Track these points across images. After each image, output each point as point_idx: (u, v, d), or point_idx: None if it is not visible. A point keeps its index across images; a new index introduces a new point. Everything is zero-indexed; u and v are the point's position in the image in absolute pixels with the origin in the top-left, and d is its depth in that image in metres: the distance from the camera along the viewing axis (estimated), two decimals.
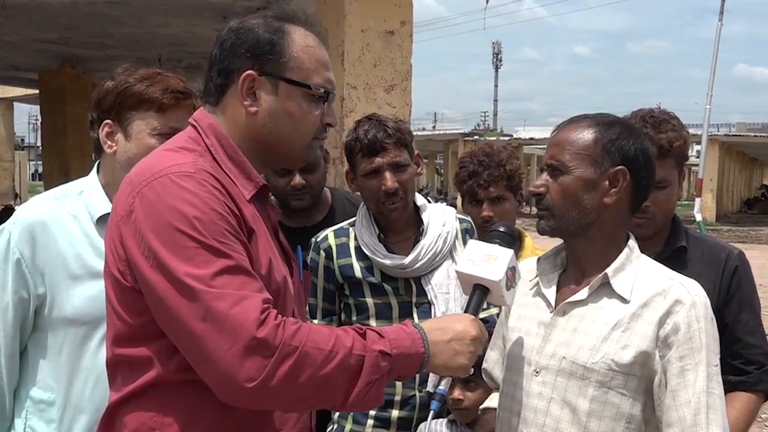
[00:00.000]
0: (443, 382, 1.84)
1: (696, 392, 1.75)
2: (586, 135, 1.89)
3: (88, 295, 2.07)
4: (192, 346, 1.52)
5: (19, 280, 2.08)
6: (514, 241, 1.95)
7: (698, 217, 20.40)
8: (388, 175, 2.53)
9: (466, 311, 1.83)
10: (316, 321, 2.65)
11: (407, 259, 2.56)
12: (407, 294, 2.59)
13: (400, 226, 2.63)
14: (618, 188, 1.87)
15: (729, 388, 2.28)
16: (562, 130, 1.94)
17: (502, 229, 1.94)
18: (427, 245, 2.58)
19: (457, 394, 2.32)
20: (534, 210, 2.10)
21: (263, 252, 1.67)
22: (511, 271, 1.85)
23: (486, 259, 1.85)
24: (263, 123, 1.72)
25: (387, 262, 2.57)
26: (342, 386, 1.55)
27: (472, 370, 1.79)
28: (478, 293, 1.85)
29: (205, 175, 1.59)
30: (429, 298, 2.57)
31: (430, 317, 2.55)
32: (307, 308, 2.60)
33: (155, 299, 1.54)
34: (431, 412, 1.82)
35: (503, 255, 1.85)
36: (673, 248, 2.36)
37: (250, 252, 1.61)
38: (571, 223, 1.89)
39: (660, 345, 1.80)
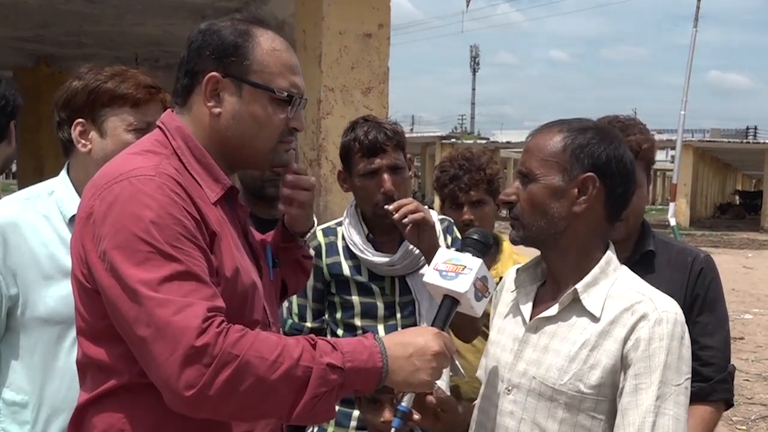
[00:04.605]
0: (406, 398, 1.74)
1: (641, 412, 1.67)
2: (556, 141, 1.81)
3: (61, 294, 2.06)
4: (139, 351, 1.52)
5: None
6: (487, 248, 1.87)
7: (672, 222, 20.63)
8: (386, 176, 2.53)
9: (433, 323, 1.77)
10: (308, 324, 2.65)
11: (396, 256, 2.58)
12: (392, 293, 2.61)
13: (389, 227, 2.61)
14: (587, 196, 1.79)
15: None
16: (534, 136, 1.88)
17: (475, 236, 1.87)
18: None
19: (387, 415, 2.04)
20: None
21: (228, 255, 1.66)
22: (482, 281, 1.77)
23: (454, 270, 1.78)
24: (227, 125, 1.72)
25: (376, 260, 2.58)
26: (287, 397, 1.52)
27: (437, 385, 1.72)
28: (447, 304, 1.78)
29: (165, 178, 1.59)
30: (414, 296, 2.59)
31: (415, 316, 2.58)
32: (297, 309, 2.66)
33: (109, 302, 1.54)
34: (393, 429, 1.74)
35: (472, 265, 1.78)
36: (641, 253, 2.37)
37: (210, 257, 1.60)
38: (540, 232, 1.82)
39: (623, 362, 1.72)
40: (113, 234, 1.52)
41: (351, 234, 2.62)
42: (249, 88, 1.70)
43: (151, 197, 1.54)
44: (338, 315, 2.63)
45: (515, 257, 3.05)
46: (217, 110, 1.71)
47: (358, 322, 2.59)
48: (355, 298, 2.60)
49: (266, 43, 1.73)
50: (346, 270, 2.61)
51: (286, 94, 1.73)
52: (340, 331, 2.61)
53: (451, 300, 1.78)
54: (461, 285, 1.76)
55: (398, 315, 2.59)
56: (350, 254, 2.62)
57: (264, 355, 1.50)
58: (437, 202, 3.26)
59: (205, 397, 1.46)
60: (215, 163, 1.72)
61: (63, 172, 2.24)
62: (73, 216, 2.09)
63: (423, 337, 1.68)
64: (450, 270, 1.79)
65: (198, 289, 1.51)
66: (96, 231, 1.55)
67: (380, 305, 2.59)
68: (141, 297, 1.48)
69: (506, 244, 3.14)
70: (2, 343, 2.14)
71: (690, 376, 1.75)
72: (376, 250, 2.60)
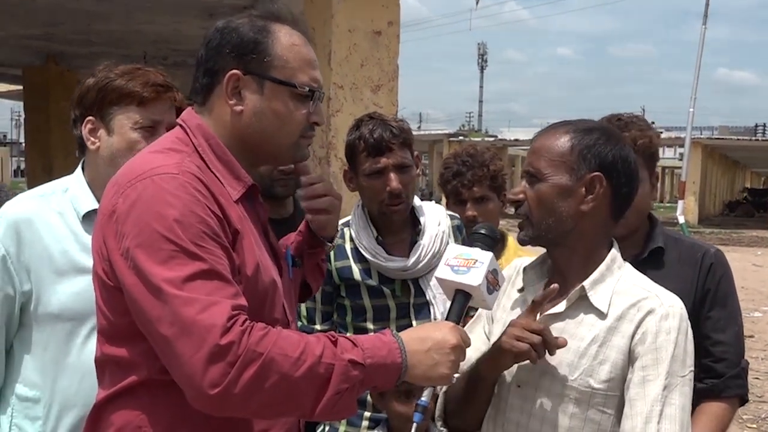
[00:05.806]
0: (425, 393, 1.76)
1: (649, 402, 1.72)
2: (563, 142, 1.86)
3: (73, 290, 2.08)
4: (163, 349, 1.52)
5: (4, 277, 2.08)
6: (495, 243, 1.90)
7: (681, 220, 20.60)
8: (393, 175, 2.49)
9: (447, 318, 1.78)
10: (317, 326, 2.62)
11: (409, 262, 2.54)
12: (405, 296, 2.57)
13: (398, 227, 2.60)
14: (594, 195, 1.83)
15: (696, 397, 2.28)
16: (540, 136, 1.91)
17: (483, 231, 1.89)
18: (426, 246, 2.57)
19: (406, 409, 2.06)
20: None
21: (250, 253, 1.66)
22: (492, 274, 1.80)
23: (465, 264, 1.81)
24: (249, 122, 1.72)
25: (389, 265, 2.54)
26: (310, 394, 1.53)
27: (455, 379, 1.74)
28: (460, 299, 1.80)
29: (188, 176, 1.59)
30: (428, 298, 2.56)
31: (429, 318, 2.55)
32: (306, 312, 2.62)
33: (131, 300, 1.55)
34: (414, 425, 1.75)
35: (483, 258, 1.81)
36: (651, 250, 2.35)
37: (232, 255, 1.61)
38: (548, 231, 1.86)
39: (630, 356, 1.78)
40: (137, 232, 1.53)
41: (360, 237, 2.59)
42: (270, 84, 1.70)
43: (175, 195, 1.55)
44: (348, 318, 2.60)
45: (520, 253, 3.04)
46: (239, 108, 1.71)
47: (370, 325, 2.55)
48: (367, 303, 2.56)
49: (285, 39, 1.72)
50: (356, 274, 2.57)
51: (307, 89, 1.73)
52: (348, 334, 2.57)
53: (463, 294, 1.80)
54: (474, 278, 1.78)
55: (413, 317, 2.55)
56: (359, 257, 2.58)
57: (287, 352, 1.50)
58: (444, 199, 3.25)
59: (230, 395, 1.47)
60: (236, 160, 1.73)
61: (78, 170, 2.26)
62: (87, 213, 2.11)
63: (440, 331, 1.69)
64: (461, 264, 1.81)
65: (222, 287, 1.52)
66: (119, 229, 1.56)
67: (392, 307, 2.56)
68: (165, 295, 1.48)
69: (511, 240, 3.13)
70: (15, 339, 2.15)
71: (693, 368, 1.80)
72: (387, 251, 2.56)
